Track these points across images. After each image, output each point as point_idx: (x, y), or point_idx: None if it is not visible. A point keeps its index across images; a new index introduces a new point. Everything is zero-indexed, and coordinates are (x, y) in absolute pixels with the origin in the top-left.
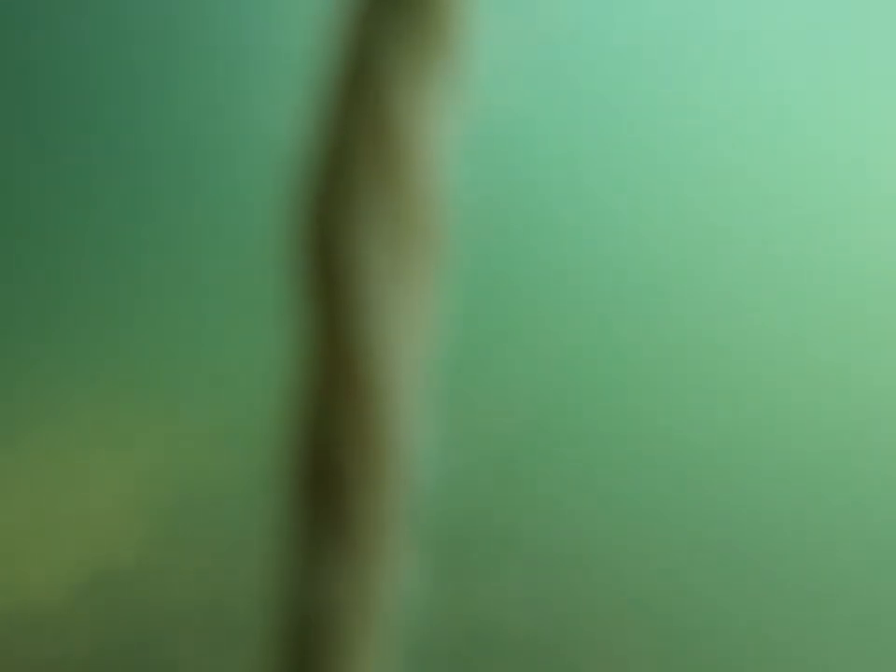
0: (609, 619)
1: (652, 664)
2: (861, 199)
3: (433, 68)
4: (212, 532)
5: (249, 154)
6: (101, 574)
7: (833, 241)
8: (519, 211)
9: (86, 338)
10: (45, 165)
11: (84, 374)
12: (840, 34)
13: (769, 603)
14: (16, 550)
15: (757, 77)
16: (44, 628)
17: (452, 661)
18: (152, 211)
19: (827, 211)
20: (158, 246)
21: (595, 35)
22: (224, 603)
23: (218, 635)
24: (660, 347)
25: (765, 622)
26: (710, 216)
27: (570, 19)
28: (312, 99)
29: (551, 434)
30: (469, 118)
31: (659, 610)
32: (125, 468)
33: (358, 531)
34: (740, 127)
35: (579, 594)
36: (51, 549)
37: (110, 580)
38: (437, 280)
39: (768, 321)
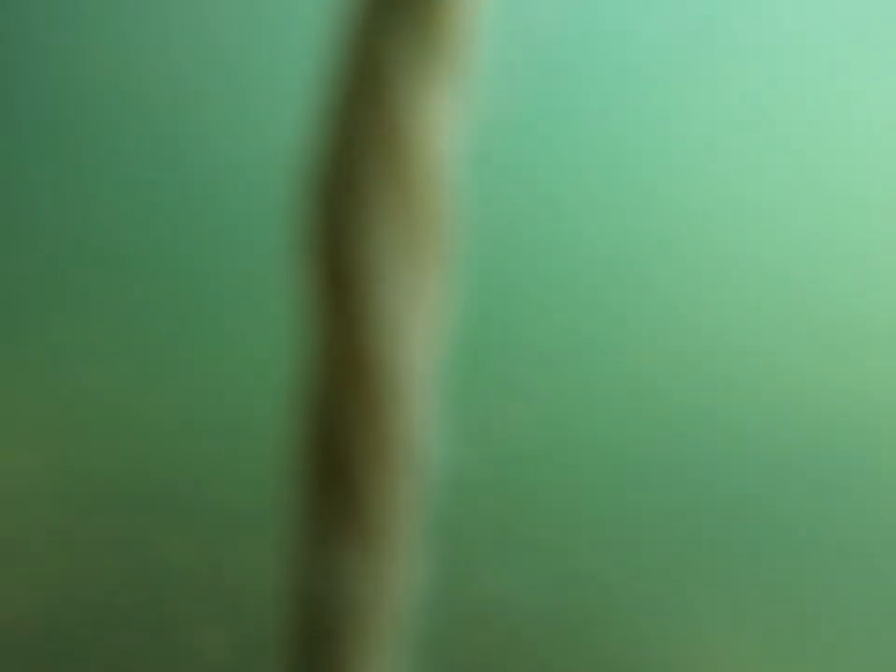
0: (617, 600)
1: (659, 648)
2: (863, 200)
3: (440, 69)
4: (23, 534)
5: (257, 153)
6: None
7: (841, 242)
8: (526, 211)
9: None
10: (37, 162)
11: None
12: (845, 37)
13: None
14: None
15: (762, 79)
16: None
17: (460, 645)
18: (157, 212)
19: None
20: (162, 246)
21: (601, 36)
22: (29, 612)
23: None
24: (666, 347)
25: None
26: (712, 210)
27: (576, 19)
28: (319, 100)
29: (556, 428)
30: (476, 118)
31: (669, 592)
32: None
33: (371, 525)
34: (745, 131)
35: (588, 577)
36: None
37: None
38: (446, 279)
39: (774, 328)
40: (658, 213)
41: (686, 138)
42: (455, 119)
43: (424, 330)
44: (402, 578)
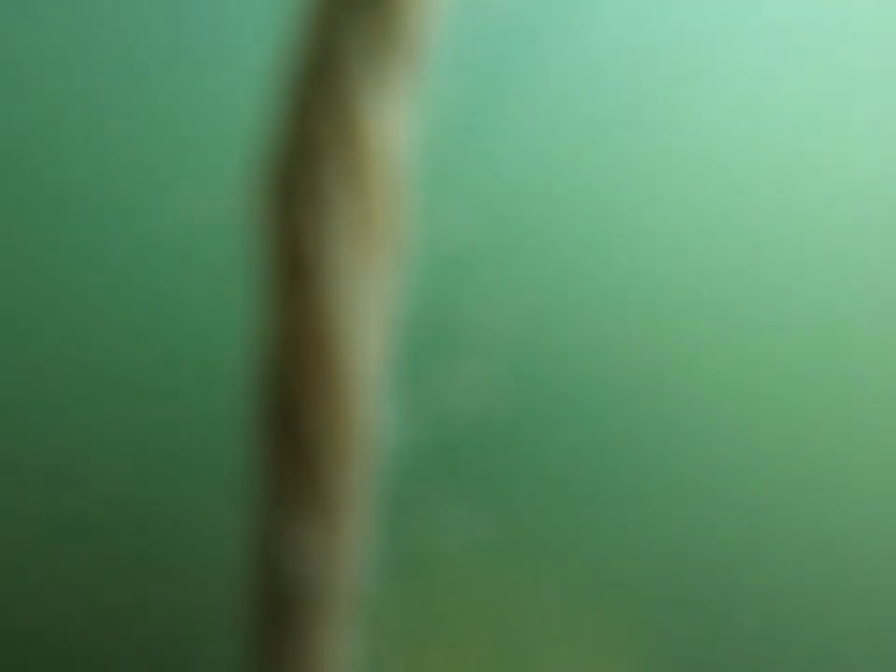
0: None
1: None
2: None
3: (396, 64)
4: None
5: (215, 144)
6: None
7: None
8: (481, 202)
9: None
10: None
11: None
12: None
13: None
14: None
15: (761, 75)
16: None
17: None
18: (116, 202)
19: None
20: (118, 232)
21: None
22: None
23: None
24: (657, 353)
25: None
26: (705, 197)
27: (541, 16)
28: (276, 93)
29: (511, 414)
30: (430, 112)
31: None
32: None
33: (327, 501)
34: (736, 120)
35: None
36: None
37: None
38: (399, 266)
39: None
40: (629, 213)
41: (673, 138)
42: (409, 114)
43: (377, 315)
44: (358, 550)
